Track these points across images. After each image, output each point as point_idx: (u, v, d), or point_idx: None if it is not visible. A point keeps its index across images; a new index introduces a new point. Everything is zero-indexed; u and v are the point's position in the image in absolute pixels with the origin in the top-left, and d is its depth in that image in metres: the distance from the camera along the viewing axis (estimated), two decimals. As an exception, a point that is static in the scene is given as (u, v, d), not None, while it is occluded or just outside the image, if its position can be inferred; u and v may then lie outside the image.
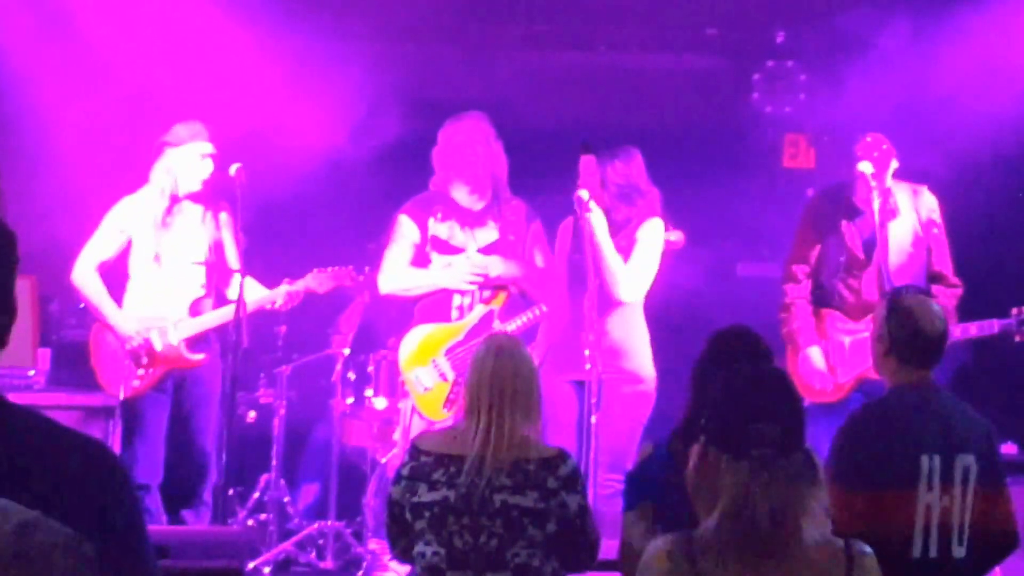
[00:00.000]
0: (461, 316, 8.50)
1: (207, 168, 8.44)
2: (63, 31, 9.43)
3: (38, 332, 8.37)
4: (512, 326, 8.35)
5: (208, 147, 8.44)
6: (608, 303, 8.31)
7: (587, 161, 8.25)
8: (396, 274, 8.55)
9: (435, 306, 8.52)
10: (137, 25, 9.47)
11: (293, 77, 9.26)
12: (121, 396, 8.38)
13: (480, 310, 8.48)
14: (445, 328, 8.48)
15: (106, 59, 9.42)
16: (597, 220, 8.16)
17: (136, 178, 8.59)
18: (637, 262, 8.40)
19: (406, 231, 8.58)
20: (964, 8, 9.55)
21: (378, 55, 9.69)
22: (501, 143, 8.54)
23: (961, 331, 7.90)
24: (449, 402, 8.39)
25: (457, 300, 8.49)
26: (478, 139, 8.49)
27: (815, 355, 8.39)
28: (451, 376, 8.40)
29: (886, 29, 9.67)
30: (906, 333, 5.64)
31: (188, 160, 8.45)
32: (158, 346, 8.41)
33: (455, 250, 8.52)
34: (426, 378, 8.43)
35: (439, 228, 8.54)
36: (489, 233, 8.56)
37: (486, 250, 8.52)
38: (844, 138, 8.59)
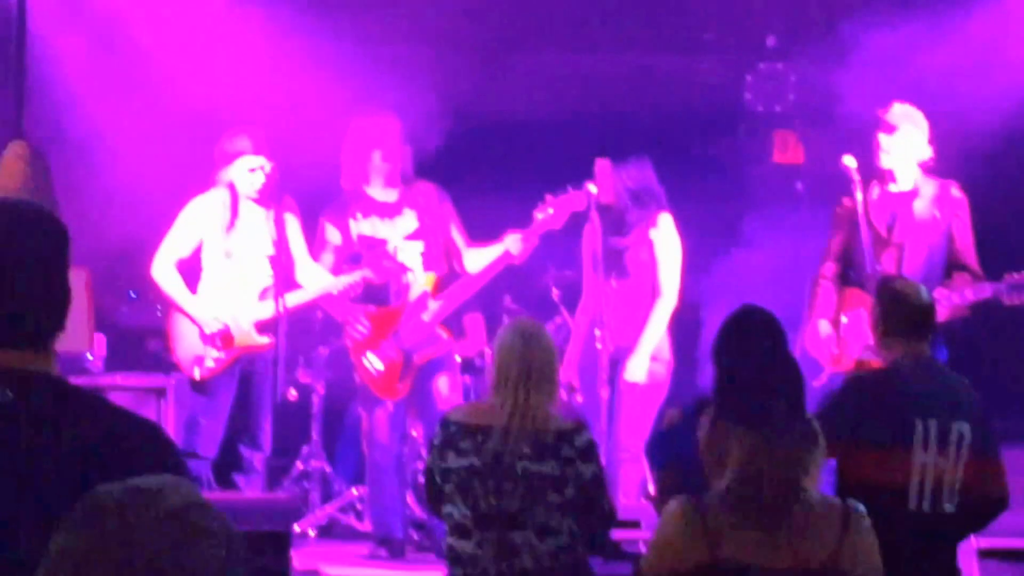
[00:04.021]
0: (400, 298, 8.40)
1: (258, 179, 8.27)
2: (121, 47, 9.32)
3: (93, 319, 8.27)
4: (438, 304, 8.34)
5: (254, 161, 8.26)
6: (628, 292, 8.37)
7: (602, 165, 8.28)
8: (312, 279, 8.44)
9: (375, 291, 8.41)
10: (190, 42, 9.36)
11: (334, 86, 9.11)
12: (197, 376, 8.30)
13: (415, 291, 8.36)
14: (388, 312, 8.38)
15: (160, 72, 9.32)
16: None
17: (187, 179, 8.48)
18: (666, 268, 8.39)
19: (329, 236, 8.48)
20: (946, 13, 9.51)
21: (405, 62, 9.59)
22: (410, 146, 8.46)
23: (959, 296, 7.71)
24: (401, 378, 8.33)
25: (392, 283, 8.41)
26: (395, 137, 8.38)
27: (823, 326, 8.12)
28: (398, 356, 8.33)
29: (872, 33, 9.56)
30: (898, 309, 5.65)
31: (239, 173, 8.28)
32: (232, 330, 8.31)
33: (381, 242, 8.39)
34: (377, 362, 8.34)
35: (362, 226, 8.41)
36: (408, 222, 8.41)
37: (411, 237, 8.39)
38: (832, 134, 8.49)
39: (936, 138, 8.21)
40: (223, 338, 8.30)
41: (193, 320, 8.31)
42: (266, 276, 8.38)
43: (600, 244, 8.18)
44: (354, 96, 8.80)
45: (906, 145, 7.97)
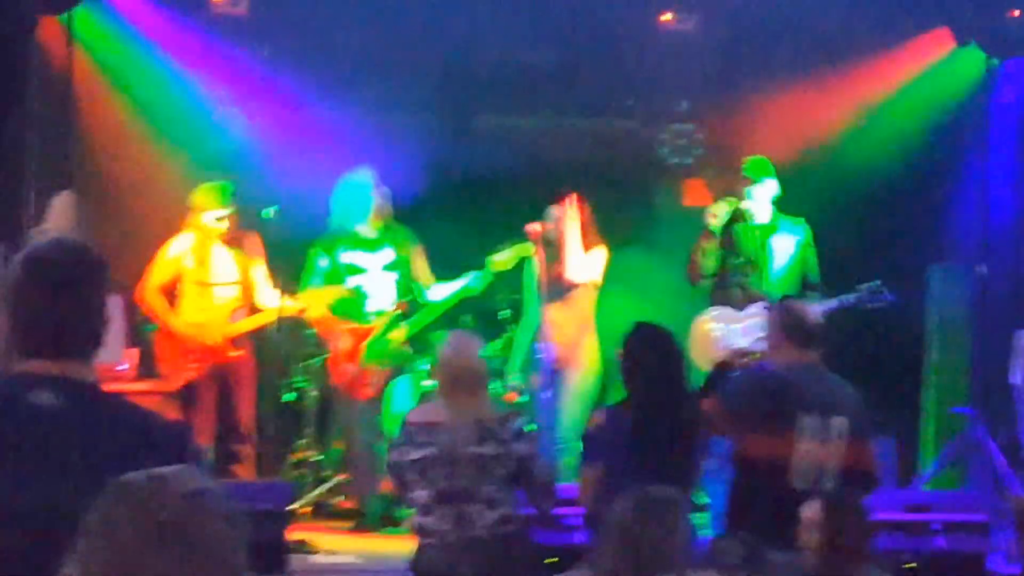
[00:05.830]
0: (374, 319, 8.40)
1: (223, 224, 8.29)
2: (146, 111, 9.28)
3: (128, 336, 8.28)
4: (403, 326, 8.38)
5: (221, 212, 8.29)
6: (568, 312, 8.37)
7: (551, 208, 8.44)
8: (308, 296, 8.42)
9: (355, 312, 8.44)
10: (211, 106, 9.44)
11: (333, 145, 9.11)
12: (179, 384, 8.28)
13: (386, 314, 8.39)
14: (363, 329, 8.41)
15: (178, 132, 9.33)
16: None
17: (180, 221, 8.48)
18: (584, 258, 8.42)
19: (319, 262, 8.46)
20: (829, 81, 9.66)
21: (389, 127, 9.60)
22: (387, 189, 8.45)
23: (826, 307, 7.77)
24: (371, 383, 8.36)
25: (369, 305, 8.43)
26: (373, 186, 8.38)
27: None
28: (369, 364, 8.36)
29: (766, 98, 9.73)
30: (795, 324, 5.68)
31: (209, 220, 8.30)
32: (207, 343, 8.29)
33: (362, 269, 8.44)
34: (352, 369, 8.36)
35: (348, 255, 8.43)
36: (387, 254, 8.45)
37: (388, 267, 8.43)
38: (732, 181, 8.57)
39: (816, 181, 8.32)
40: (200, 349, 8.28)
41: (174, 336, 8.29)
42: (234, 300, 8.41)
43: (544, 273, 8.21)
44: (347, 153, 8.82)
45: (769, 190, 8.16)
